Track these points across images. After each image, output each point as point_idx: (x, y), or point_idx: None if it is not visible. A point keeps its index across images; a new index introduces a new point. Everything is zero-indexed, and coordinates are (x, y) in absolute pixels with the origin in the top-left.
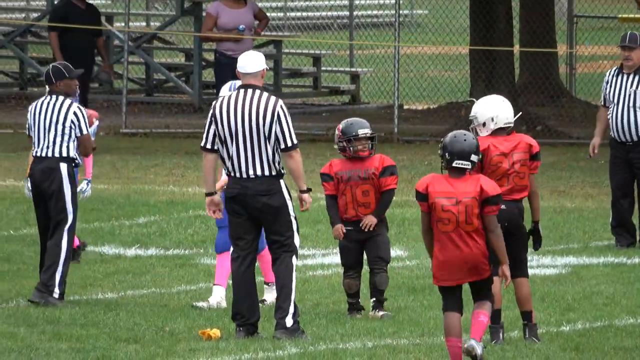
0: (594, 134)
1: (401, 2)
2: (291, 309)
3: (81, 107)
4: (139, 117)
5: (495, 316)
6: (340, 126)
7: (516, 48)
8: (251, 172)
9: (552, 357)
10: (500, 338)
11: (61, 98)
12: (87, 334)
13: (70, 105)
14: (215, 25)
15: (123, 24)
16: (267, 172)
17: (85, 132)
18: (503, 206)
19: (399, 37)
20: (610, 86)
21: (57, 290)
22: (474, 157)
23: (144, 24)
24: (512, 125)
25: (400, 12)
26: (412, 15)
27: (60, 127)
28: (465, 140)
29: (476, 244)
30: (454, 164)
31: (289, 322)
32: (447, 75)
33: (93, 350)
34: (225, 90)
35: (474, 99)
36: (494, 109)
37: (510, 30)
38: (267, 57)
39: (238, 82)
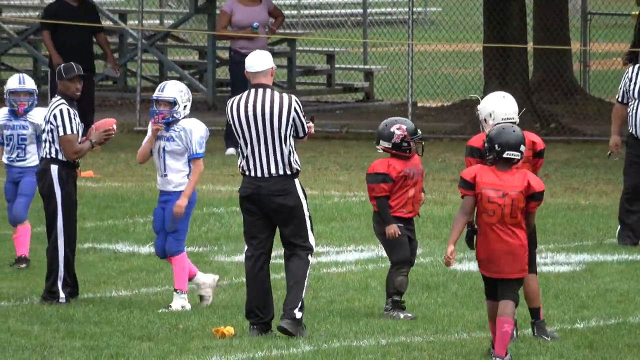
0: (612, 131)
1: None
2: (299, 303)
3: (65, 108)
4: None
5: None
6: (403, 126)
7: (530, 45)
8: (266, 171)
9: (565, 354)
10: (515, 336)
11: (55, 99)
12: (100, 331)
13: (55, 106)
14: (229, 23)
15: (137, 22)
16: (281, 172)
17: (64, 133)
18: None
19: (412, 35)
20: (634, 83)
21: (62, 295)
22: (522, 148)
23: (157, 21)
24: (513, 120)
25: (414, 9)
26: (426, 13)
27: (47, 128)
28: (514, 131)
29: (517, 238)
30: (504, 155)
31: (298, 314)
32: (460, 73)
33: (107, 347)
34: None
35: (477, 96)
36: (492, 105)
37: (524, 28)
38: (281, 54)
39: None
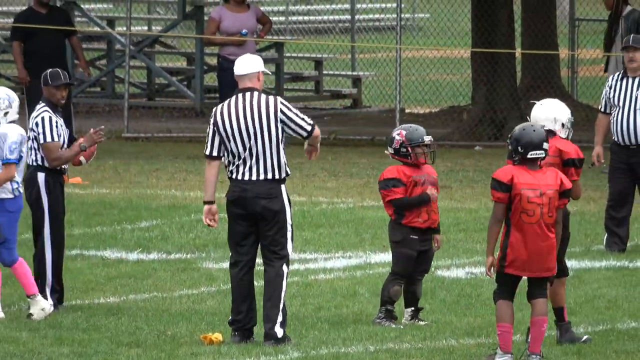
0: (595, 142)
1: (403, 5)
2: (279, 318)
3: (48, 116)
4: (140, 121)
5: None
6: (403, 132)
7: (518, 51)
8: (254, 175)
9: None
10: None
11: (39, 105)
12: (89, 338)
13: (38, 113)
14: (218, 30)
15: (125, 28)
16: (269, 176)
17: (45, 140)
18: None
19: (400, 41)
20: (614, 90)
21: (50, 301)
22: (546, 145)
23: (145, 28)
24: (542, 127)
25: (402, 15)
26: (414, 19)
27: (31, 135)
28: (534, 130)
29: (553, 237)
30: (529, 155)
31: (279, 332)
32: (448, 79)
33: (95, 354)
34: None
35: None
36: (554, 111)
37: (512, 34)
38: (269, 60)
39: None
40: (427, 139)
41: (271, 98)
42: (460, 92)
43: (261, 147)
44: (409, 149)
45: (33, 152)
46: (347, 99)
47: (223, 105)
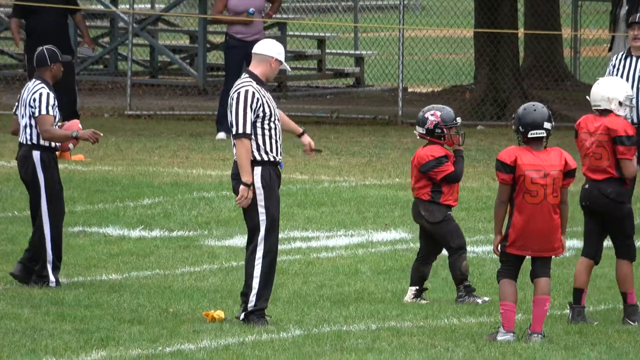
0: None
1: None
2: (250, 304)
3: (46, 92)
4: (143, 99)
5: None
6: (438, 112)
7: (521, 31)
8: (234, 155)
9: (555, 339)
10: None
11: (35, 82)
12: (91, 315)
13: (35, 90)
14: (225, 8)
15: (128, 6)
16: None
17: (40, 112)
18: (586, 185)
19: (403, 20)
20: (618, 70)
21: (52, 279)
22: (547, 125)
23: (148, 5)
24: (598, 106)
25: None
26: None
27: (28, 112)
28: (535, 110)
29: (557, 218)
30: (529, 135)
31: (241, 316)
32: (451, 58)
33: (97, 331)
34: None
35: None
36: (608, 90)
37: (515, 13)
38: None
39: None
40: (459, 120)
41: (239, 85)
42: (462, 72)
43: (234, 130)
44: (444, 129)
45: (28, 129)
46: (349, 78)
47: None
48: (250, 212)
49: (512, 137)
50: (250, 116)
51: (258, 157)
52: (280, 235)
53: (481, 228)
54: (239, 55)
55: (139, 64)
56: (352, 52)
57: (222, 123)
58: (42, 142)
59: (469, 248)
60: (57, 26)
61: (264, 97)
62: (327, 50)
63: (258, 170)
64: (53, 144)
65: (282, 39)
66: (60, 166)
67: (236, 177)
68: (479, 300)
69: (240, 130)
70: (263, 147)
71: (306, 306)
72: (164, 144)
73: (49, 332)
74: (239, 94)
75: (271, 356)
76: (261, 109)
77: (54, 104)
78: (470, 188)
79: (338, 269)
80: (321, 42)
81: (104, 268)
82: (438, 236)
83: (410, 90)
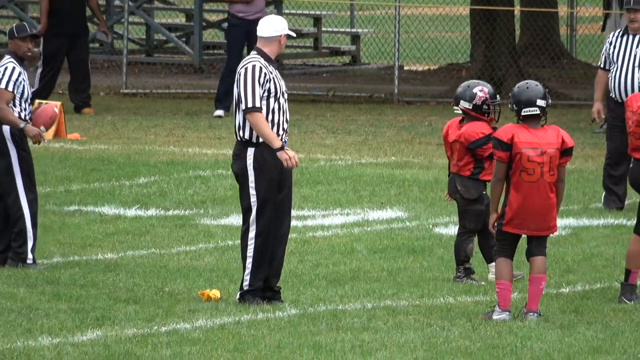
0: (595, 98)
1: None
2: (244, 283)
3: (11, 66)
4: (139, 77)
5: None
6: (485, 89)
7: (517, 8)
8: (234, 134)
9: (551, 318)
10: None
11: (5, 57)
12: (86, 294)
13: (3, 63)
14: None
15: None
16: (237, 137)
17: (0, 85)
18: (631, 164)
19: None
20: (614, 47)
21: (30, 256)
22: (540, 102)
23: None
24: None
25: None
26: None
27: None
28: (527, 87)
29: (553, 197)
30: (522, 113)
31: (237, 296)
32: (447, 36)
33: (92, 310)
34: None
35: None
36: None
37: None
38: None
39: None
40: (497, 96)
41: (246, 60)
42: (459, 50)
43: (237, 108)
44: (490, 106)
45: None
46: (345, 56)
47: None
48: (243, 193)
49: (509, 115)
50: (258, 90)
51: (254, 139)
52: None
53: None
54: (240, 34)
55: (134, 43)
56: (348, 30)
57: (221, 101)
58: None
59: (449, 229)
60: (77, 4)
61: (272, 73)
62: (323, 28)
63: (251, 151)
64: (23, 116)
65: None
66: (56, 145)
67: (234, 157)
68: (475, 283)
69: (250, 104)
70: None
71: (302, 285)
72: (160, 122)
73: (44, 311)
74: (246, 69)
75: (267, 335)
76: (268, 84)
77: (16, 79)
78: None
79: (334, 248)
80: (317, 20)
81: (99, 247)
82: (462, 211)
83: (406, 68)
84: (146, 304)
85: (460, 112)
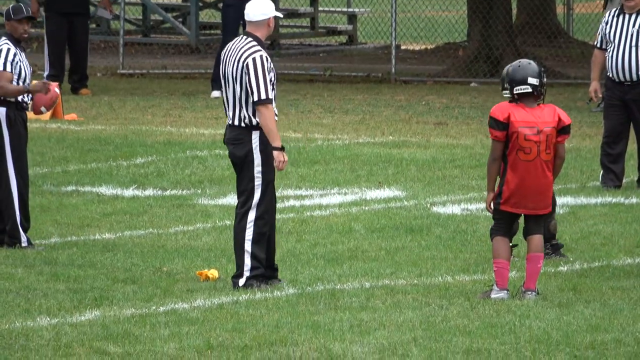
0: (592, 77)
1: None
2: (246, 267)
3: (6, 48)
4: (136, 58)
5: None
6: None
7: None
8: (230, 119)
9: (549, 297)
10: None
11: (2, 38)
12: (84, 274)
13: None
14: None
15: None
16: (237, 122)
17: None
18: None
19: None
20: (611, 27)
21: (23, 238)
22: (531, 80)
23: None
24: None
25: None
26: None
27: None
28: (519, 66)
29: (550, 175)
30: (515, 91)
31: (241, 282)
32: (444, 16)
33: (91, 290)
34: None
35: None
36: None
37: None
38: None
39: None
40: None
41: (251, 49)
42: (455, 29)
43: (233, 92)
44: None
45: None
46: (342, 36)
47: (228, 44)
48: (245, 176)
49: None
50: (268, 81)
51: (255, 122)
52: None
53: (475, 185)
54: (236, 14)
55: (131, 23)
56: (345, 9)
57: (217, 81)
58: (8, 98)
59: (462, 205)
60: None
61: (271, 64)
62: (320, 8)
63: (256, 134)
64: (20, 98)
65: None
66: (53, 125)
67: (234, 142)
68: (564, 259)
69: (264, 96)
70: None
71: (300, 265)
72: (157, 102)
73: (42, 291)
74: (254, 59)
75: (265, 315)
76: (271, 74)
77: (12, 60)
78: (464, 145)
79: (332, 227)
80: (314, 0)
81: (97, 227)
82: None
83: (403, 47)
84: (144, 284)
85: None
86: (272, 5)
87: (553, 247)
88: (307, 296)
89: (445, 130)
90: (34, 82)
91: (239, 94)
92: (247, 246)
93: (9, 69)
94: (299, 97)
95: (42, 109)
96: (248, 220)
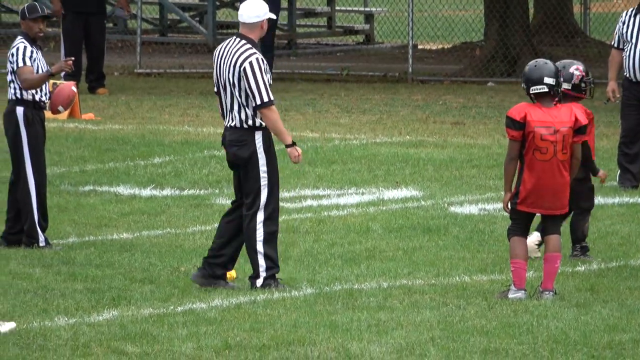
0: (609, 77)
1: None
2: (261, 268)
3: (23, 46)
4: (153, 57)
5: None
6: (580, 67)
7: None
8: (230, 121)
9: (567, 297)
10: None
11: (17, 39)
12: (102, 274)
13: (14, 45)
14: None
15: None
16: (238, 124)
17: (17, 66)
18: None
19: None
20: (627, 26)
21: (41, 238)
22: (547, 80)
23: None
24: None
25: None
26: None
27: (9, 68)
28: (536, 66)
29: (567, 175)
30: (531, 91)
31: (258, 282)
32: (461, 15)
33: (108, 290)
34: None
35: None
36: None
37: None
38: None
39: None
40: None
41: (247, 52)
42: (472, 28)
43: (231, 94)
44: (587, 83)
45: (12, 85)
46: (359, 35)
47: (220, 45)
48: (250, 177)
49: (523, 94)
50: (267, 83)
51: (258, 123)
52: (291, 194)
53: (492, 185)
54: None
55: (148, 22)
56: (362, 9)
57: None
58: (25, 97)
59: (479, 205)
60: None
61: (266, 65)
62: (337, 8)
63: (259, 134)
64: (38, 98)
65: None
66: (71, 125)
67: (237, 144)
68: (592, 259)
69: (266, 99)
70: None
71: (317, 264)
72: (174, 102)
73: (60, 291)
74: (251, 63)
75: (283, 315)
76: (268, 75)
77: (30, 56)
78: (481, 145)
79: (349, 227)
80: (331, 0)
81: (115, 227)
82: (575, 192)
83: (420, 47)
84: (162, 284)
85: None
86: (266, 7)
87: (582, 249)
88: (325, 296)
89: (463, 130)
90: (54, 66)
91: (237, 96)
92: (259, 247)
93: (28, 63)
94: (316, 97)
95: (60, 108)
96: (257, 222)
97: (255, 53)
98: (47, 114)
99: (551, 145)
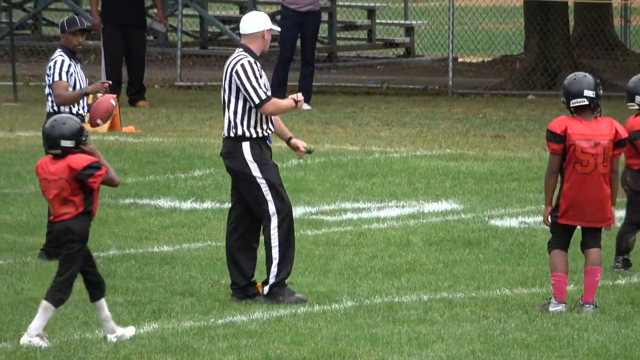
0: None
1: None
2: (271, 274)
3: (61, 60)
4: (193, 70)
5: None
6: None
7: (571, 0)
8: (225, 131)
9: (608, 310)
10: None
11: (56, 51)
12: (143, 287)
13: (52, 59)
14: None
15: None
16: (227, 134)
17: (53, 80)
18: None
19: None
20: None
21: None
22: (587, 93)
23: None
24: None
25: None
26: None
27: (47, 82)
28: (575, 79)
29: (607, 188)
30: (571, 104)
31: (266, 290)
32: (501, 28)
33: (149, 303)
34: None
35: None
36: None
37: None
38: (322, 9)
39: None
40: None
41: (238, 57)
42: (513, 41)
43: (225, 104)
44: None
45: (50, 98)
46: (399, 48)
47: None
48: (250, 188)
49: (563, 107)
50: (261, 82)
51: (247, 134)
52: (331, 207)
53: (532, 198)
54: (293, 26)
55: (188, 35)
56: (402, 22)
57: (275, 93)
58: (62, 109)
59: (520, 218)
60: None
61: (261, 70)
62: (377, 21)
63: (247, 145)
64: (75, 111)
65: (332, 9)
66: (111, 138)
67: (227, 156)
68: (632, 273)
69: (263, 97)
70: (253, 123)
71: (358, 277)
72: (215, 115)
73: None
74: (242, 65)
75: (323, 327)
76: (263, 79)
77: (67, 70)
78: (522, 158)
79: (389, 240)
80: (371, 12)
81: (155, 240)
82: (629, 203)
83: (460, 60)
84: (202, 297)
85: (637, 107)
86: (267, 19)
87: (624, 262)
88: (365, 309)
89: (503, 143)
90: (90, 86)
91: (227, 103)
92: (274, 254)
93: (64, 78)
94: (356, 110)
95: (99, 121)
96: (271, 228)
97: (246, 57)
98: (87, 127)
99: (592, 158)
